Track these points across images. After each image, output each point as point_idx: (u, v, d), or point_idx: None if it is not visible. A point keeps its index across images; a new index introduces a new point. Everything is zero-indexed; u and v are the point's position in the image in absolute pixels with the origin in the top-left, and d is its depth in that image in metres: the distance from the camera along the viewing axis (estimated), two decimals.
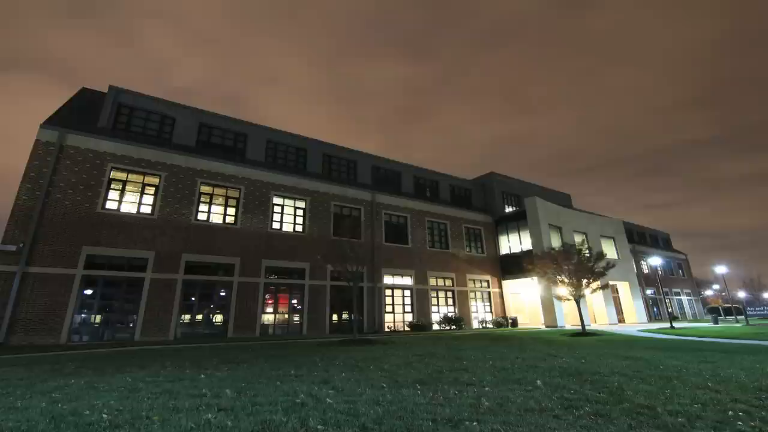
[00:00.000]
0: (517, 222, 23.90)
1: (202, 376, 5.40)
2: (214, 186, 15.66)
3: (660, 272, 34.99)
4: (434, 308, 20.35)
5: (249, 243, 15.64)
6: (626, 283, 26.21)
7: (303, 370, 5.81)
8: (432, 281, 20.83)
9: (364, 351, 8.70)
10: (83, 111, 15.34)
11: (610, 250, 25.70)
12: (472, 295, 22.18)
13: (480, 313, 22.11)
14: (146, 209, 14.02)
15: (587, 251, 16.28)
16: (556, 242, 21.48)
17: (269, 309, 15.82)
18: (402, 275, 19.85)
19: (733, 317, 27.49)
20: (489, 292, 23.00)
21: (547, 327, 20.14)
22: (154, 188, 14.36)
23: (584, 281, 15.65)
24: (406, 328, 18.61)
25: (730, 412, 3.44)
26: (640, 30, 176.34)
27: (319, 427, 3.00)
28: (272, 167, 17.87)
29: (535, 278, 20.31)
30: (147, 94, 16.43)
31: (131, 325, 12.81)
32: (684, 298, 38.28)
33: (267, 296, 15.80)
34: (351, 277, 12.36)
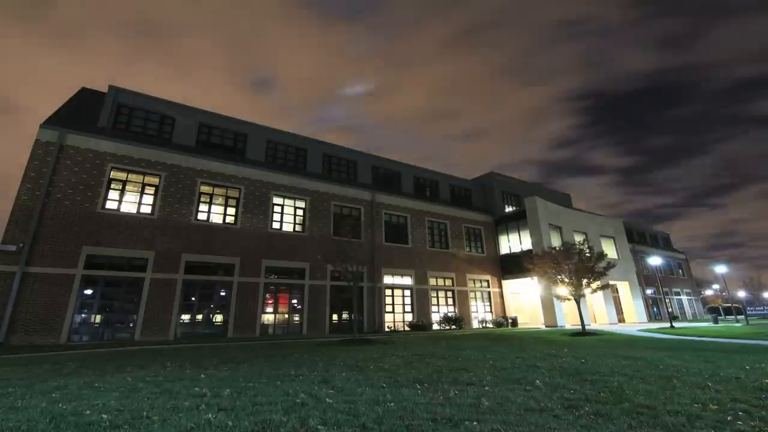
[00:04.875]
0: (517, 222, 23.90)
1: (202, 375, 5.40)
2: (214, 186, 15.65)
3: (660, 272, 34.98)
4: (434, 308, 20.34)
5: (249, 243, 15.64)
6: (626, 283, 26.21)
7: (303, 370, 5.81)
8: (432, 281, 20.83)
9: (364, 351, 8.70)
10: (83, 111, 15.33)
11: (610, 250, 25.69)
12: (472, 294, 22.18)
13: (480, 313, 22.11)
14: (146, 209, 14.01)
15: (587, 251, 16.27)
16: (556, 242, 21.47)
17: (269, 309, 15.82)
18: (402, 275, 19.85)
19: (733, 317, 27.49)
20: (489, 292, 23.00)
21: (547, 327, 20.14)
22: (154, 188, 14.35)
23: (584, 281, 15.64)
24: (406, 328, 18.61)
25: (730, 412, 3.44)
26: None
27: (319, 426, 3.00)
28: (272, 167, 17.87)
29: (535, 278, 20.31)
30: (147, 94, 16.45)
31: (131, 325, 12.81)
32: (684, 298, 38.28)
33: (267, 296, 15.80)
34: (351, 277, 12.35)
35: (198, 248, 14.46)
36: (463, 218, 23.69)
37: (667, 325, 20.30)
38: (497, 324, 21.27)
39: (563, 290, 16.44)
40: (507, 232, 24.53)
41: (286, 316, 16.14)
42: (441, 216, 22.67)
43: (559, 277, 16.03)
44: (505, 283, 23.63)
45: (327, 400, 3.86)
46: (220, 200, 15.76)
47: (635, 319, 25.27)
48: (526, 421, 3.14)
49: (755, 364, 6.24)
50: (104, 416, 3.26)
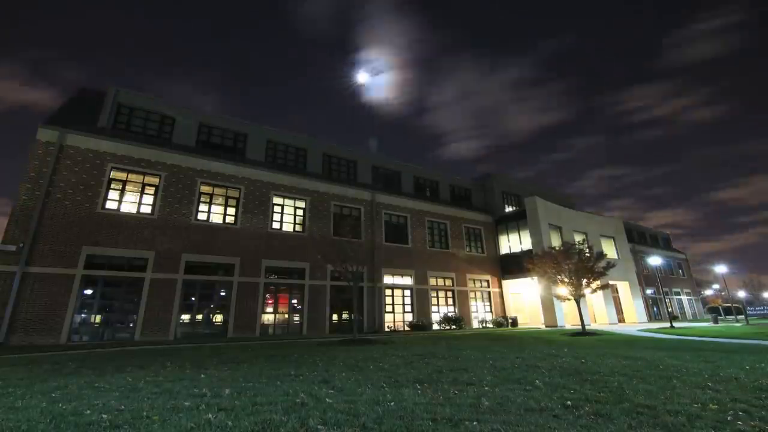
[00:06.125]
0: (517, 222, 23.90)
1: (202, 375, 5.40)
2: (214, 186, 15.65)
3: (660, 272, 34.98)
4: (434, 308, 20.34)
5: (249, 243, 15.63)
6: (626, 283, 26.21)
7: (303, 370, 5.81)
8: (432, 281, 20.83)
9: (364, 351, 8.70)
10: (83, 111, 15.33)
11: (610, 250, 25.70)
12: (472, 294, 22.18)
13: (480, 313, 22.10)
14: (146, 209, 14.01)
15: (587, 251, 16.27)
16: (556, 242, 21.47)
17: (269, 309, 15.82)
18: (402, 275, 19.85)
19: (733, 317, 27.49)
20: (489, 292, 23.00)
21: (547, 327, 20.14)
22: (154, 188, 14.35)
23: (584, 281, 15.64)
24: (406, 328, 18.61)
25: (730, 412, 3.44)
26: None
27: (319, 426, 3.00)
28: (272, 167, 17.86)
29: (535, 278, 20.30)
30: (146, 94, 16.44)
31: (131, 325, 12.80)
32: (684, 298, 38.27)
33: (267, 296, 15.80)
34: (351, 277, 12.35)
35: (198, 248, 14.45)
36: (463, 218, 23.69)
37: (667, 325, 20.30)
38: (497, 324, 21.27)
39: (563, 290, 16.44)
40: (507, 232, 24.53)
41: (286, 316, 16.14)
42: (441, 216, 22.67)
43: (559, 277, 16.03)
44: (505, 283, 23.63)
45: (327, 400, 3.86)
46: (220, 200, 15.76)
47: (635, 319, 25.27)
48: (526, 421, 3.15)
49: (755, 364, 6.24)
50: (104, 416, 3.26)
